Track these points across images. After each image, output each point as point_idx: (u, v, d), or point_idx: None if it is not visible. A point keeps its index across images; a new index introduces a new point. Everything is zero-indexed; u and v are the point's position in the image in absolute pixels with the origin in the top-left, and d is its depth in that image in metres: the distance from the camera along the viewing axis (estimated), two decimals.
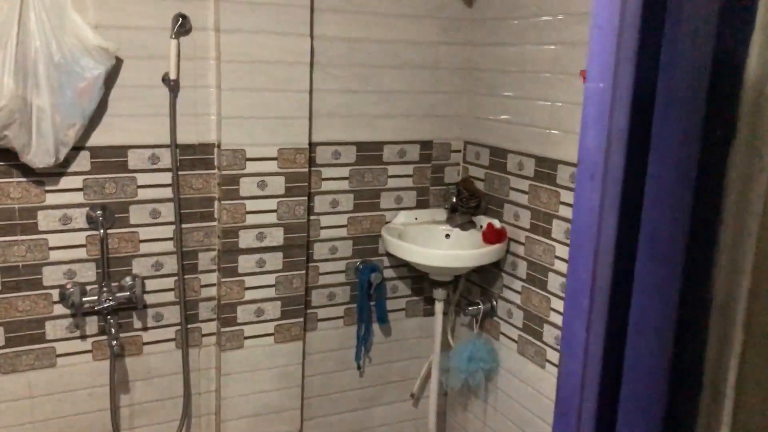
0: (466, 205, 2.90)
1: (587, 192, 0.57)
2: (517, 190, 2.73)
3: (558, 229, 2.53)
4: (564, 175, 2.49)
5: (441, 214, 3.01)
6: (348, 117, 2.78)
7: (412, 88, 2.89)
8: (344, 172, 2.83)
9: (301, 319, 2.80)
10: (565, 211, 2.49)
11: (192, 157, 2.55)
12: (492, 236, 2.71)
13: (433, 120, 2.97)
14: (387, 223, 2.95)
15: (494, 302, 2.90)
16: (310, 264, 2.83)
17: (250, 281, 2.67)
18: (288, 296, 2.75)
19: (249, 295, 2.68)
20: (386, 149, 2.89)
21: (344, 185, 2.84)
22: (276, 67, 2.55)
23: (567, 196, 2.48)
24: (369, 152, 2.86)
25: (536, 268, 2.65)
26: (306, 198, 2.71)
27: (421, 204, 3.02)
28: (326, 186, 2.80)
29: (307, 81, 2.62)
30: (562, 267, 2.53)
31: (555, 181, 2.53)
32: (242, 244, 2.63)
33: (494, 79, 2.84)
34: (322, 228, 2.83)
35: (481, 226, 2.87)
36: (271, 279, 2.70)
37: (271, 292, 2.72)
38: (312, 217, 2.80)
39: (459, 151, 3.06)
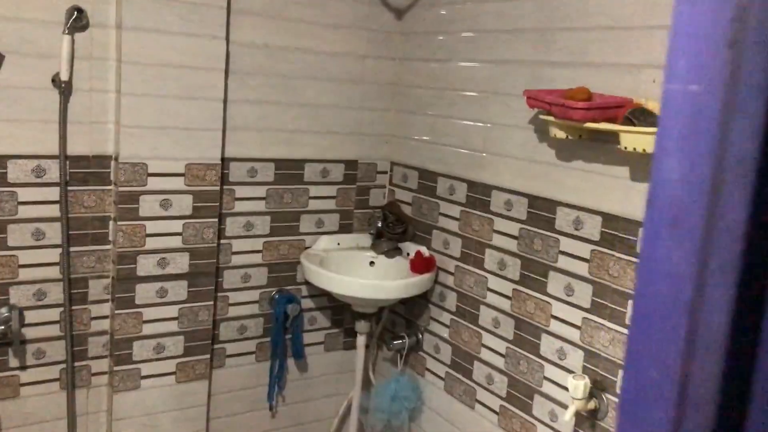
0: (392, 230, 2.69)
1: (665, 246, 0.37)
2: (448, 216, 2.54)
3: (491, 259, 2.35)
4: (498, 201, 2.31)
5: (365, 239, 2.79)
6: (266, 131, 2.53)
7: (337, 103, 2.66)
8: (260, 191, 2.56)
9: (208, 356, 2.50)
10: (499, 240, 2.31)
11: (84, 170, 2.23)
12: (420, 265, 2.51)
13: (358, 138, 2.75)
14: (307, 248, 2.70)
15: (420, 335, 2.69)
16: (219, 294, 2.54)
17: (149, 313, 2.36)
18: (193, 330, 2.45)
19: (147, 329, 2.36)
20: (308, 168, 2.65)
21: (260, 206, 2.57)
22: (186, 73, 2.27)
23: (501, 224, 2.31)
24: (289, 170, 2.61)
25: (467, 300, 2.46)
26: (216, 220, 2.43)
27: (344, 228, 2.79)
28: (240, 206, 2.53)
29: (221, 89, 2.36)
30: (494, 300, 2.34)
31: (489, 207, 2.36)
32: (141, 271, 2.31)
33: (425, 97, 2.65)
34: (233, 253, 2.55)
35: (408, 254, 2.67)
36: (173, 311, 2.40)
37: (173, 326, 2.41)
38: (222, 241, 2.51)
39: (385, 172, 2.85)
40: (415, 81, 2.70)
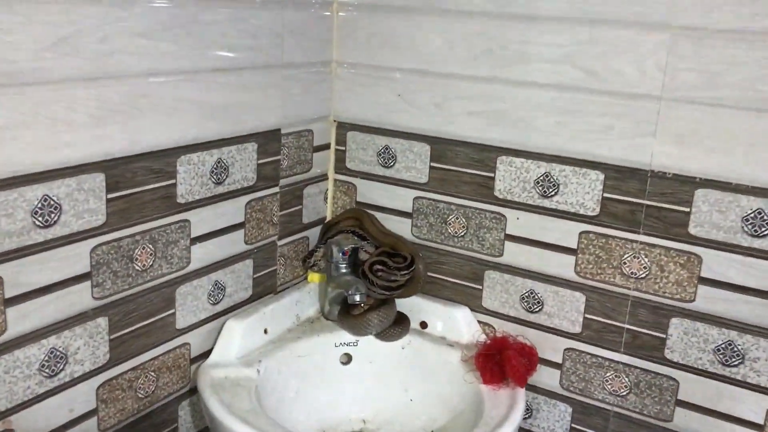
0: (384, 278, 1.20)
1: None
2: (534, 243, 1.14)
3: (690, 341, 1.04)
4: (722, 213, 0.99)
5: (310, 299, 1.27)
6: (71, 88, 0.84)
7: (231, 2, 1.04)
8: (72, 257, 0.88)
9: None
10: (720, 300, 1.01)
11: None
12: (516, 368, 1.08)
13: (280, 77, 1.15)
14: (197, 360, 1.10)
15: None
16: None
17: None
18: None
19: None
20: (183, 167, 1.01)
21: (79, 301, 0.90)
22: None
23: (729, 267, 1.00)
24: (141, 185, 0.95)
25: (606, 420, 1.14)
26: None
27: (263, 286, 1.23)
28: (19, 322, 0.84)
29: None
30: (702, 427, 1.06)
31: (684, 226, 1.02)
32: None
33: None
34: None
35: (424, 324, 1.23)
36: None
37: None
38: None
39: (326, 147, 1.31)
40: None
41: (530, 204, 1.13)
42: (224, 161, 1.08)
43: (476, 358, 1.11)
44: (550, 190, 1.11)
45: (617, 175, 1.05)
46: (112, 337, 0.96)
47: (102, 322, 0.94)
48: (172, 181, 1.00)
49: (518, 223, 1.15)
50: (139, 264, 0.98)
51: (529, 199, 1.13)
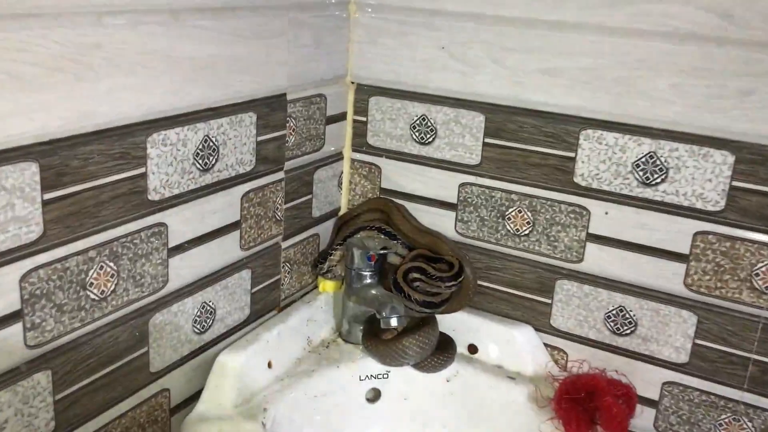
0: (425, 292, 0.91)
1: None
2: (630, 246, 0.86)
3: None
4: None
5: (321, 316, 0.98)
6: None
7: None
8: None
9: None
10: None
11: None
12: (615, 419, 0.81)
13: (288, 22, 0.84)
14: (182, 409, 0.80)
15: None
16: None
17: None
18: None
19: None
20: (156, 149, 0.70)
21: (6, 344, 0.60)
22: None
23: None
24: (92, 180, 0.64)
25: None
26: None
27: (262, 302, 0.93)
28: None
29: None
30: None
31: None
32: None
33: None
34: None
35: (473, 347, 0.95)
36: None
37: None
38: None
39: (340, 118, 1.00)
40: None
41: (625, 194, 0.85)
42: (213, 139, 0.77)
43: (557, 402, 0.83)
44: (656, 175, 0.83)
45: (754, 156, 0.77)
46: (58, 397, 0.66)
47: (42, 379, 0.64)
48: (141, 170, 0.69)
49: (607, 218, 0.87)
50: (96, 291, 0.67)
51: (623, 188, 0.85)
